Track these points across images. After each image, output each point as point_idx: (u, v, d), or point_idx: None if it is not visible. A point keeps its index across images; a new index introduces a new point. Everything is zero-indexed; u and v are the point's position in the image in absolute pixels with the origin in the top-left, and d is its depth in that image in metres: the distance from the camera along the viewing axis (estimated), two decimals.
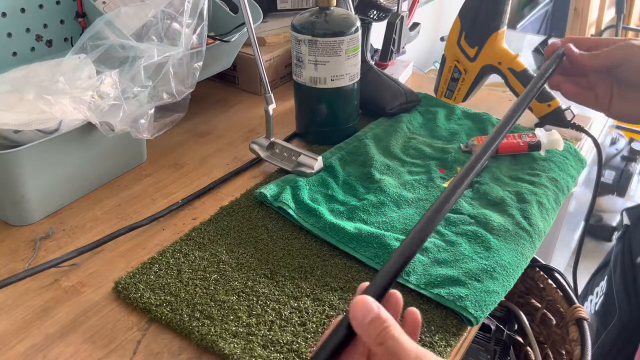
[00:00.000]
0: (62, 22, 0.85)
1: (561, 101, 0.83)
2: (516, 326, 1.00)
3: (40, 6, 0.81)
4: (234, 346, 0.51)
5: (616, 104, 0.60)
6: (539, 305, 0.99)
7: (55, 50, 0.85)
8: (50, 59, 0.72)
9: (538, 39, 1.79)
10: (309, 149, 0.81)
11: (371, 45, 0.97)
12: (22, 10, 0.79)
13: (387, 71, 0.97)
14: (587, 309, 1.53)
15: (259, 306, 0.55)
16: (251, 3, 0.87)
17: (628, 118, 0.61)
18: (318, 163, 0.74)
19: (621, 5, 2.36)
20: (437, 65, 0.96)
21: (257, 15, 0.89)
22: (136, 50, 0.68)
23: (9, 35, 0.78)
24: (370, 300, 0.33)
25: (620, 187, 2.27)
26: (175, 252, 0.62)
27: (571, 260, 1.95)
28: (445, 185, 0.73)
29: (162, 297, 0.56)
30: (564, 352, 0.93)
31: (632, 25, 2.59)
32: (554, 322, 0.96)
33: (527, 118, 0.88)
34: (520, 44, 1.89)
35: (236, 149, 0.83)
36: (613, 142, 2.28)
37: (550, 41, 0.62)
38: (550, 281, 0.96)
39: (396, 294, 0.38)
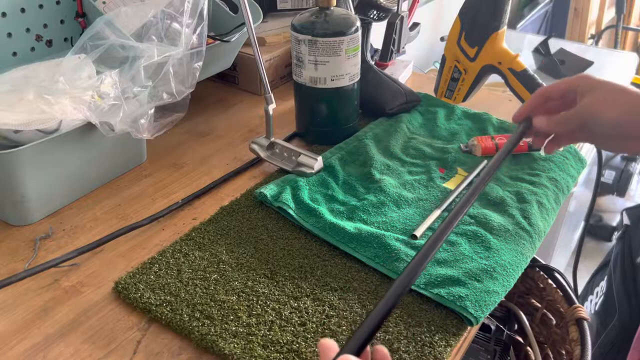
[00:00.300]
0: (62, 22, 0.85)
1: None
2: (516, 326, 1.00)
3: (40, 6, 0.81)
4: (234, 346, 0.51)
5: (598, 144, 0.64)
6: (539, 305, 0.99)
7: (55, 50, 0.85)
8: (50, 59, 0.72)
9: (538, 39, 1.79)
10: (309, 149, 0.81)
11: (371, 45, 0.97)
12: (22, 10, 0.79)
13: (387, 71, 0.97)
14: (587, 309, 1.53)
15: (259, 306, 0.55)
16: (251, 3, 0.87)
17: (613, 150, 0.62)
18: (318, 163, 0.74)
19: (621, 5, 2.36)
20: (437, 65, 0.96)
21: (257, 15, 0.89)
22: (136, 50, 0.68)
23: (9, 35, 0.78)
24: None
25: (620, 187, 2.27)
26: (175, 252, 0.62)
27: (571, 260, 1.94)
28: (445, 185, 0.73)
29: (162, 297, 0.56)
30: (564, 352, 0.93)
31: (632, 25, 2.59)
32: (554, 322, 0.96)
33: None
34: (520, 44, 1.89)
35: (236, 149, 0.83)
36: None
37: (518, 109, 0.63)
38: (550, 281, 0.96)
39: (382, 350, 0.40)
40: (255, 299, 0.56)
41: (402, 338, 0.52)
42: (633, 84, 1.98)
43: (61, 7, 0.83)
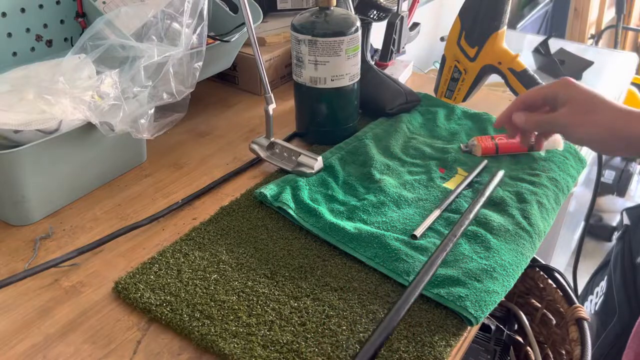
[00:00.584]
0: (62, 22, 0.85)
1: None
2: (516, 326, 1.00)
3: (40, 6, 0.81)
4: (234, 346, 0.51)
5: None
6: (539, 305, 0.99)
7: (55, 50, 0.85)
8: (50, 59, 0.72)
9: (538, 39, 1.79)
10: (309, 149, 0.81)
11: (371, 45, 0.97)
12: (22, 10, 0.79)
13: (387, 71, 0.97)
14: (587, 309, 1.53)
15: (259, 306, 0.55)
16: (251, 3, 0.87)
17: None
18: (318, 163, 0.74)
19: (621, 5, 2.36)
20: (437, 65, 0.96)
21: (257, 15, 0.89)
22: (136, 50, 0.68)
23: (9, 35, 0.78)
24: None
25: (620, 187, 2.27)
26: (175, 252, 0.62)
27: (571, 260, 1.94)
28: (445, 185, 0.73)
29: (162, 297, 0.56)
30: (564, 352, 0.93)
31: (632, 25, 2.59)
32: (554, 322, 0.96)
33: None
34: (520, 44, 1.89)
35: (236, 149, 0.83)
36: None
37: (499, 116, 0.67)
38: (550, 281, 0.96)
39: None
40: (255, 299, 0.56)
41: (402, 338, 0.52)
42: (633, 84, 1.98)
43: (61, 7, 0.83)
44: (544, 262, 0.98)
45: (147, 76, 0.68)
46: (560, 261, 1.79)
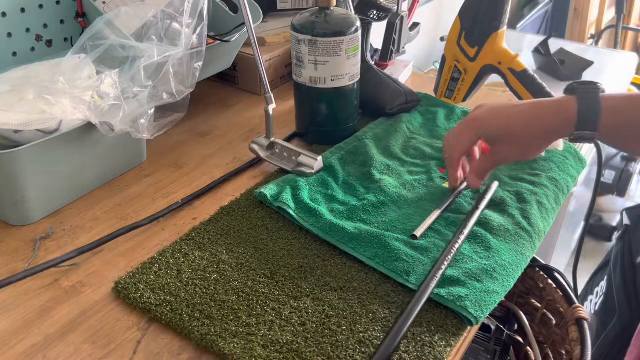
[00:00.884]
0: (62, 22, 0.85)
1: None
2: (516, 326, 1.00)
3: (40, 6, 0.81)
4: (234, 346, 0.51)
5: None
6: (539, 305, 0.99)
7: (55, 50, 0.85)
8: (50, 59, 0.72)
9: (538, 39, 1.79)
10: (309, 149, 0.81)
11: (371, 45, 0.97)
12: (22, 10, 0.79)
13: (387, 71, 0.97)
14: (587, 309, 1.53)
15: (259, 306, 0.55)
16: (251, 3, 0.87)
17: None
18: (318, 163, 0.74)
19: (621, 5, 2.36)
20: (437, 65, 0.96)
21: (257, 15, 0.89)
22: (136, 50, 0.68)
23: (9, 35, 0.78)
24: None
25: (620, 187, 2.27)
26: (175, 252, 0.62)
27: (571, 260, 1.95)
28: (445, 185, 0.73)
29: (162, 297, 0.56)
30: (564, 352, 0.93)
31: (632, 25, 2.59)
32: (554, 322, 0.96)
33: None
34: (520, 44, 1.89)
35: (236, 149, 0.83)
36: None
37: (449, 182, 0.71)
38: (550, 281, 0.96)
39: None
40: (255, 299, 0.56)
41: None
42: (633, 84, 1.98)
43: (61, 7, 0.83)
44: (544, 262, 0.98)
45: (147, 76, 0.68)
46: (560, 261, 1.79)
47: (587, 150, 1.23)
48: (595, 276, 1.59)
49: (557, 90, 0.77)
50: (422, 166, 0.77)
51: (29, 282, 0.58)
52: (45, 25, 0.83)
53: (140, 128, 0.67)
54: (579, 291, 1.62)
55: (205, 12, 0.74)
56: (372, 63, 0.92)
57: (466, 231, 0.63)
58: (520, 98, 0.86)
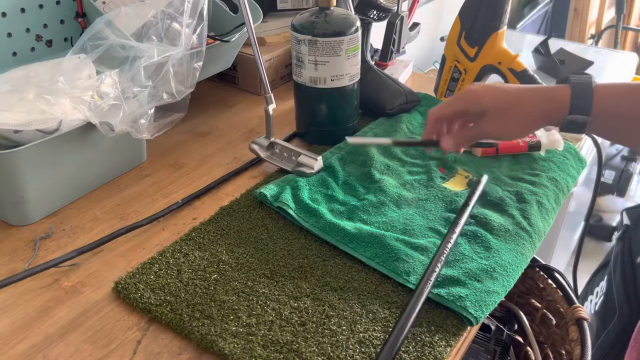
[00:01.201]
0: (62, 22, 0.85)
1: None
2: (516, 326, 1.00)
3: (40, 6, 0.81)
4: (234, 346, 0.51)
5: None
6: (539, 305, 0.99)
7: (55, 50, 0.85)
8: (50, 59, 0.72)
9: (538, 39, 1.79)
10: (309, 149, 0.81)
11: (371, 45, 0.97)
12: (22, 10, 0.79)
13: (387, 71, 0.97)
14: (587, 309, 1.53)
15: (259, 306, 0.55)
16: (251, 3, 0.87)
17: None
18: (318, 163, 0.74)
19: (621, 5, 2.36)
20: (437, 65, 0.96)
21: (257, 15, 0.89)
22: (136, 50, 0.68)
23: (9, 35, 0.78)
24: None
25: (620, 187, 2.27)
26: (175, 252, 0.62)
27: (571, 260, 1.95)
28: (445, 185, 0.73)
29: (162, 297, 0.56)
30: (564, 352, 0.93)
31: (632, 25, 2.59)
32: (554, 322, 0.96)
33: None
34: (520, 44, 1.89)
35: (236, 149, 0.83)
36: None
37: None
38: (550, 281, 0.96)
39: None
40: (255, 299, 0.56)
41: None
42: None
43: (61, 7, 0.83)
44: (544, 262, 0.98)
45: (147, 76, 0.68)
46: (560, 261, 1.79)
47: (587, 150, 1.22)
48: (595, 276, 1.59)
49: None
50: (422, 166, 0.77)
51: (29, 282, 0.58)
52: (45, 25, 0.83)
53: (140, 128, 0.67)
54: (579, 291, 1.62)
55: (205, 12, 0.74)
56: (372, 63, 0.92)
57: (458, 229, 0.63)
58: None
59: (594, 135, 0.84)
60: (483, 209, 0.69)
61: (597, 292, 1.52)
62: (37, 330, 0.53)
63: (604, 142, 2.16)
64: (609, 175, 2.27)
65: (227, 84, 1.02)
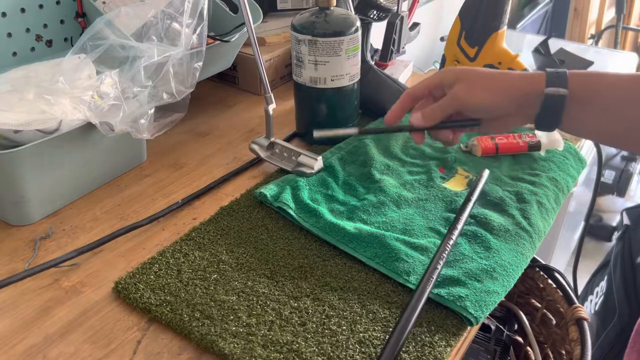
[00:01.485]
0: (62, 22, 0.85)
1: None
2: (516, 326, 1.00)
3: (40, 6, 0.81)
4: (234, 346, 0.51)
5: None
6: (539, 305, 0.99)
7: (55, 50, 0.85)
8: (50, 59, 0.72)
9: (538, 39, 1.79)
10: (309, 149, 0.81)
11: (371, 45, 0.97)
12: (22, 10, 0.79)
13: (387, 71, 0.97)
14: (587, 309, 1.53)
15: (259, 306, 0.55)
16: (251, 3, 0.87)
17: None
18: (318, 163, 0.74)
19: (621, 5, 2.36)
20: (437, 65, 0.96)
21: (257, 15, 0.89)
22: (136, 50, 0.68)
23: (9, 35, 0.78)
24: None
25: (620, 187, 2.27)
26: (175, 252, 0.62)
27: (571, 260, 1.94)
28: (445, 185, 0.73)
29: (162, 297, 0.56)
30: (564, 352, 0.93)
31: (632, 25, 2.59)
32: (554, 322, 0.96)
33: None
34: (520, 44, 1.89)
35: (236, 149, 0.83)
36: None
37: (388, 112, 0.61)
38: (550, 281, 0.96)
39: None
40: (255, 299, 0.56)
41: None
42: None
43: (61, 7, 0.83)
44: (544, 262, 0.98)
45: (147, 76, 0.68)
46: (560, 261, 1.79)
47: (587, 150, 1.22)
48: (595, 276, 1.59)
49: None
50: (422, 166, 0.77)
51: (29, 282, 0.58)
52: (45, 25, 0.83)
53: (140, 128, 0.67)
54: (579, 291, 1.62)
55: (205, 12, 0.74)
56: (372, 63, 0.92)
57: (460, 225, 0.63)
58: None
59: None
60: (483, 209, 0.69)
61: (597, 292, 1.52)
62: (37, 330, 0.53)
63: None
64: (609, 175, 2.27)
65: (227, 84, 1.02)
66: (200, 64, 0.73)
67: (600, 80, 0.55)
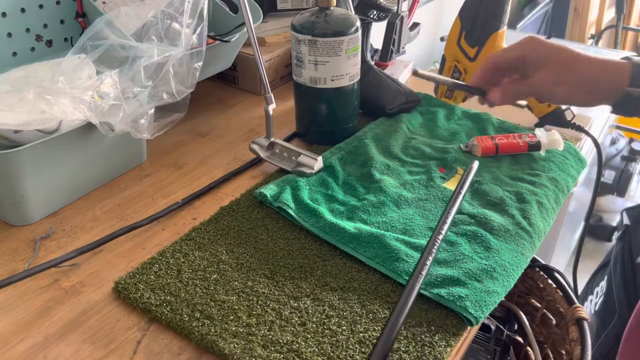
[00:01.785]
0: (62, 22, 0.85)
1: None
2: (516, 326, 1.00)
3: (40, 6, 0.81)
4: (234, 346, 0.51)
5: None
6: (539, 305, 0.99)
7: (55, 50, 0.85)
8: (50, 59, 0.72)
9: None
10: (309, 149, 0.81)
11: (371, 45, 0.97)
12: (22, 10, 0.79)
13: (387, 71, 0.97)
14: (587, 309, 1.53)
15: (259, 306, 0.55)
16: (251, 3, 0.87)
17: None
18: (318, 163, 0.74)
19: (621, 5, 2.36)
20: (437, 65, 0.96)
21: (257, 15, 0.89)
22: (136, 50, 0.68)
23: (9, 35, 0.78)
24: None
25: (620, 187, 2.27)
26: (175, 252, 0.62)
27: (571, 260, 1.95)
28: (445, 185, 0.73)
29: (162, 297, 0.56)
30: (564, 352, 0.93)
31: (632, 25, 2.59)
32: (554, 322, 0.96)
33: (527, 118, 0.88)
34: None
35: (236, 149, 0.83)
36: (613, 142, 2.28)
37: (472, 78, 0.68)
38: (550, 281, 0.96)
39: None
40: (255, 299, 0.56)
41: (402, 338, 0.52)
42: None
43: (61, 7, 0.83)
44: (544, 262, 0.98)
45: (147, 76, 0.68)
46: (560, 261, 1.79)
47: (587, 150, 1.23)
48: (595, 276, 1.59)
49: None
50: (422, 166, 0.77)
51: (29, 282, 0.58)
52: (45, 25, 0.83)
53: (140, 128, 0.67)
54: (579, 291, 1.62)
55: (205, 12, 0.74)
56: (372, 63, 0.92)
57: (449, 220, 0.62)
58: None
59: (594, 135, 0.84)
60: (483, 209, 0.69)
61: (597, 292, 1.52)
62: (37, 330, 0.53)
63: (604, 142, 2.16)
64: (609, 175, 2.27)
65: (227, 84, 1.02)
66: (200, 64, 0.73)
67: None
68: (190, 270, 0.59)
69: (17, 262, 0.61)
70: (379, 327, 0.53)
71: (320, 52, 0.74)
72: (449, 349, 0.52)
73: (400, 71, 1.03)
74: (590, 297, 1.56)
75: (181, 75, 0.71)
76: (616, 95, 0.55)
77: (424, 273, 0.55)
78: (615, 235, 1.90)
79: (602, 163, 0.82)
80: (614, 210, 2.23)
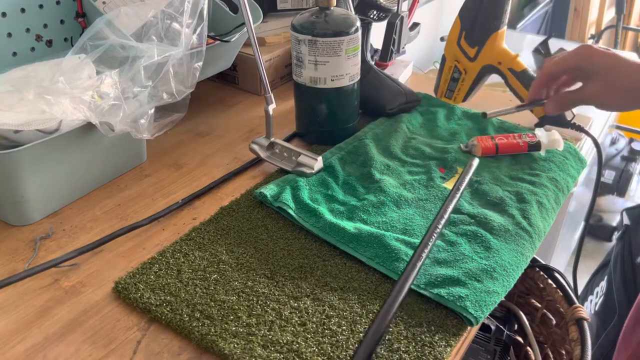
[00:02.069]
0: (62, 22, 0.85)
1: None
2: (516, 326, 1.00)
3: (40, 6, 0.81)
4: (234, 346, 0.51)
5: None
6: (539, 305, 0.99)
7: (55, 50, 0.85)
8: (50, 59, 0.72)
9: (538, 39, 1.79)
10: (309, 149, 0.81)
11: (371, 45, 0.97)
12: (22, 10, 0.79)
13: (387, 71, 0.97)
14: (587, 309, 1.53)
15: (259, 306, 0.55)
16: (251, 3, 0.87)
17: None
18: (318, 163, 0.74)
19: (621, 5, 2.36)
20: (437, 65, 0.96)
21: (257, 15, 0.89)
22: (136, 50, 0.68)
23: (9, 35, 0.78)
24: None
25: (620, 187, 2.27)
26: (175, 252, 0.62)
27: (571, 260, 1.95)
28: (445, 185, 0.73)
29: (162, 297, 0.56)
30: (564, 352, 0.93)
31: (632, 25, 2.59)
32: (554, 322, 0.96)
33: (527, 118, 0.88)
34: (520, 44, 1.89)
35: (236, 149, 0.83)
36: (613, 142, 2.28)
37: (530, 91, 0.72)
38: (550, 281, 0.96)
39: None
40: (255, 299, 0.56)
41: (402, 338, 0.52)
42: None
43: (61, 7, 0.83)
44: (544, 262, 0.98)
45: (147, 76, 0.68)
46: (560, 261, 1.79)
47: (587, 150, 1.22)
48: (595, 276, 1.59)
49: None
50: (422, 166, 0.77)
51: (29, 282, 0.58)
52: (45, 25, 0.83)
53: (140, 128, 0.67)
54: (579, 291, 1.62)
55: (205, 12, 0.74)
56: (372, 63, 0.92)
57: (446, 215, 0.62)
58: (520, 98, 0.86)
59: (594, 135, 0.84)
60: (483, 209, 0.69)
61: (597, 292, 1.52)
62: (37, 330, 0.53)
63: (604, 142, 2.16)
64: (609, 175, 2.27)
65: (227, 84, 1.02)
66: (200, 64, 0.73)
67: None
68: (190, 270, 0.59)
69: (17, 262, 0.61)
70: None
71: (320, 52, 0.74)
72: (449, 349, 0.52)
73: (400, 71, 1.03)
74: (590, 297, 1.56)
75: (181, 75, 0.71)
76: None
77: (419, 264, 0.55)
78: (615, 235, 1.90)
79: (602, 163, 0.82)
80: (614, 210, 2.23)
